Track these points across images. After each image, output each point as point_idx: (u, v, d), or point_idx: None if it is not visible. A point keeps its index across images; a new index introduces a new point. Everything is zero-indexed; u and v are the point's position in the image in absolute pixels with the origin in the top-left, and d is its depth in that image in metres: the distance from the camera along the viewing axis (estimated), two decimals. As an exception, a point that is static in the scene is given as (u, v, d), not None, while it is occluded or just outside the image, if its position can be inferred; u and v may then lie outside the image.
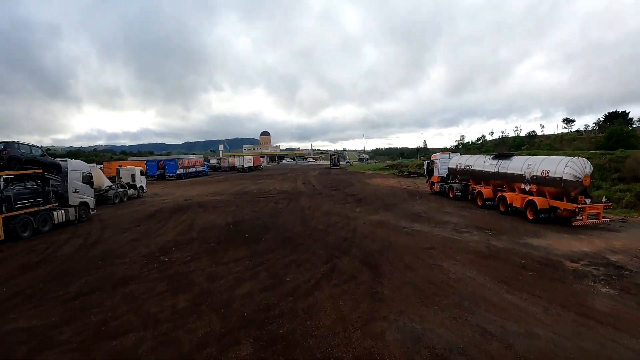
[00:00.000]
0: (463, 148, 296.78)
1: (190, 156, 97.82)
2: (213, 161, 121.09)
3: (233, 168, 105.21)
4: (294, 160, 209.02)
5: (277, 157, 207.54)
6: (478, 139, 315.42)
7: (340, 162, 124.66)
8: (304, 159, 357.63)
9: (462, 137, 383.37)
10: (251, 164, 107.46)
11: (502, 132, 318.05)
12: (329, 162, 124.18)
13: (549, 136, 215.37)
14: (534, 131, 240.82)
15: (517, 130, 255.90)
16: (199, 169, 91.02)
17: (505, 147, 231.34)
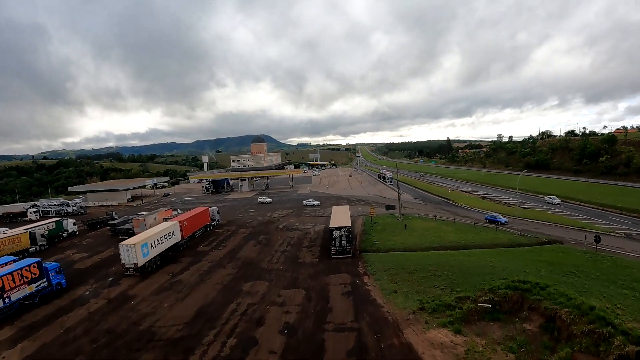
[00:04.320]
0: (505, 151, 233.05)
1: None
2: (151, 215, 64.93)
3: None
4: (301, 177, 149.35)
5: (267, 179, 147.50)
6: (525, 140, 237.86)
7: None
8: (310, 167, 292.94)
9: (500, 136, 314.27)
10: (146, 256, 50.64)
11: (566, 132, 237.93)
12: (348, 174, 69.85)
13: (633, 142, 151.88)
14: (612, 134, 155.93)
15: (581, 129, 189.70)
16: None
17: (569, 154, 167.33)
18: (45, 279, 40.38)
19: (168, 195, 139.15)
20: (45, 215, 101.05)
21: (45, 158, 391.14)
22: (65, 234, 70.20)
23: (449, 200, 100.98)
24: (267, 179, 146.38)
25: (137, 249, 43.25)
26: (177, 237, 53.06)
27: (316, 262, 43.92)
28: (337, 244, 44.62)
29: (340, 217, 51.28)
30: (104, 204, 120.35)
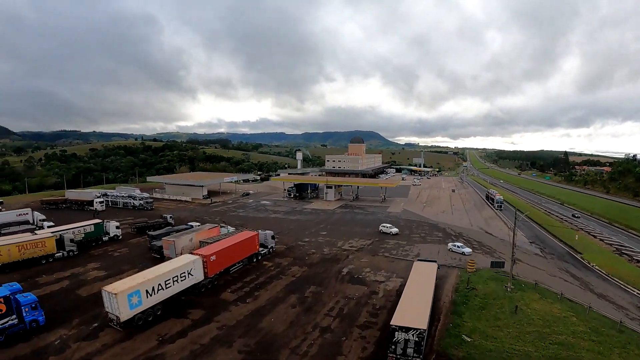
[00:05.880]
0: (633, 176, 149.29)
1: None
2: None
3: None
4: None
5: (357, 187, 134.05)
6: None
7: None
8: (412, 172, 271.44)
9: (628, 155, 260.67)
10: (136, 307, 40.94)
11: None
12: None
13: None
14: None
15: None
16: None
17: None
18: (14, 316, 34.52)
19: (247, 194, 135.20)
20: (113, 205, 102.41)
21: (154, 140, 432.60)
22: (105, 238, 66.60)
23: (577, 253, 78.53)
24: (358, 187, 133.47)
25: (121, 300, 33.80)
26: (198, 277, 43.04)
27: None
28: (399, 352, 29.20)
29: (415, 301, 34.43)
30: (179, 198, 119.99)
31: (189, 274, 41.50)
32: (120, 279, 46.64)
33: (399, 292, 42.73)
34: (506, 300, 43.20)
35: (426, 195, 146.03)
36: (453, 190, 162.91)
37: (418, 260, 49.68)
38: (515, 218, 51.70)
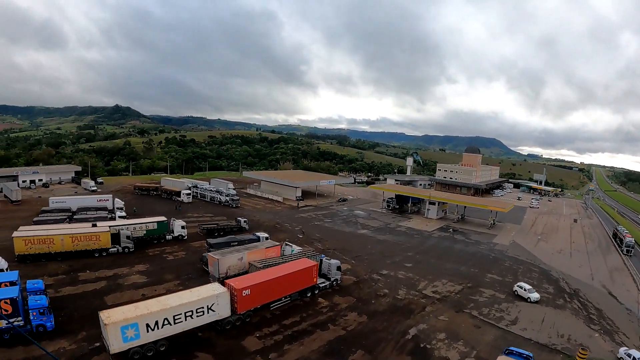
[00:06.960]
0: None
1: None
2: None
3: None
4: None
5: (464, 207, 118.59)
6: None
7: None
8: (531, 190, 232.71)
9: None
10: (131, 341, 35.88)
11: None
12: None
13: None
14: None
15: None
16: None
17: None
18: (20, 318, 34.42)
19: (344, 200, 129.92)
20: (201, 198, 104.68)
21: (273, 131, 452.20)
22: (169, 237, 66.23)
23: None
24: (465, 207, 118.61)
25: (112, 331, 29.73)
26: (222, 313, 37.37)
27: None
28: None
29: None
30: (270, 197, 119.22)
31: (209, 309, 36.21)
32: (157, 292, 44.27)
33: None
34: None
35: (543, 224, 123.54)
36: (575, 220, 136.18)
37: (505, 354, 37.29)
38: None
